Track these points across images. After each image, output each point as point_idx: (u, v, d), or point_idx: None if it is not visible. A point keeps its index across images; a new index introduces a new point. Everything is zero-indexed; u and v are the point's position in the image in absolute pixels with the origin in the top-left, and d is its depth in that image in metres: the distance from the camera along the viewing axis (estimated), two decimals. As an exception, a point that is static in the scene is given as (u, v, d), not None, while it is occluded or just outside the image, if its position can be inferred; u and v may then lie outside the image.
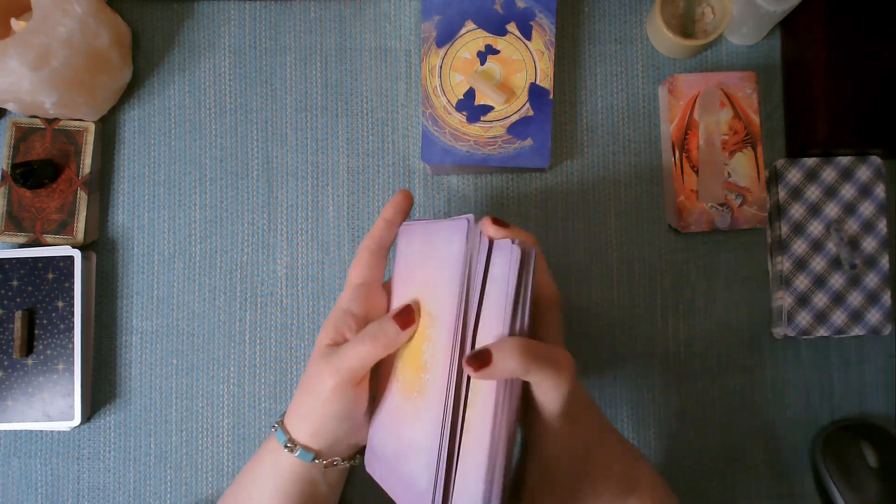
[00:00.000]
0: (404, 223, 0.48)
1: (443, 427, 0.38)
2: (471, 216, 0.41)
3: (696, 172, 0.58)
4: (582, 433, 0.40)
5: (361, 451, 0.48)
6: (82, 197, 0.61)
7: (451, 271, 0.41)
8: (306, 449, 0.45)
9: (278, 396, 0.61)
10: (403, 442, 0.42)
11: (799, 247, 0.58)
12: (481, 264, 0.39)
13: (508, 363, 0.36)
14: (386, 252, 0.48)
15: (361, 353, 0.42)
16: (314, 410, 0.44)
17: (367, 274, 0.47)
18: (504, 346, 0.36)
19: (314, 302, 0.62)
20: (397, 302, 0.46)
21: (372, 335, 0.43)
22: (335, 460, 0.46)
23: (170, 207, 0.63)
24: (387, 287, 0.49)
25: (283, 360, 0.62)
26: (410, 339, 0.44)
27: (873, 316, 0.57)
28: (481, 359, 0.36)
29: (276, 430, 0.46)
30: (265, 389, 0.62)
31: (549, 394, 0.38)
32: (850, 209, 0.57)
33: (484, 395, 0.37)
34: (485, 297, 0.39)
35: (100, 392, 0.62)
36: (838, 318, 0.57)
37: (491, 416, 0.37)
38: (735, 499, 0.59)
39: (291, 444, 0.45)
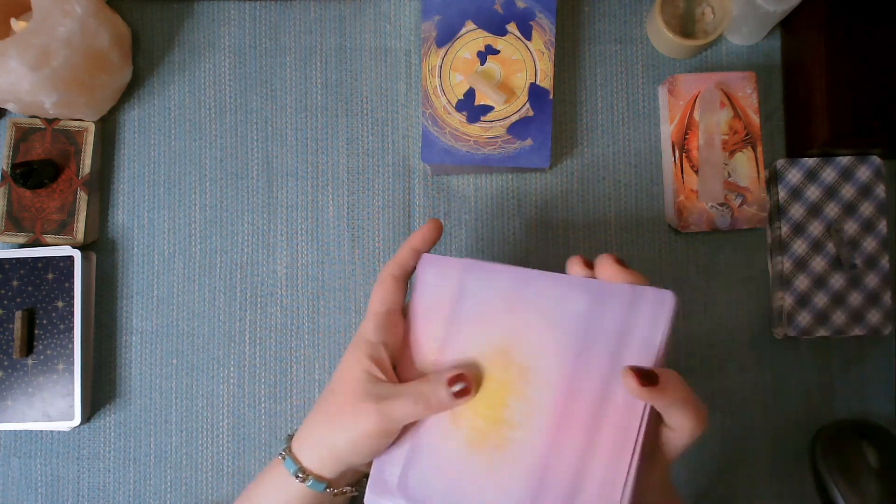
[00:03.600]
0: (469, 259, 0.45)
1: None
2: (602, 283, 0.39)
3: (696, 172, 0.58)
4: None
5: (367, 475, 0.47)
6: (82, 197, 0.61)
7: (565, 330, 0.39)
8: (318, 479, 0.43)
9: (278, 396, 0.61)
10: (464, 493, 0.40)
11: (799, 247, 0.58)
12: (613, 321, 0.38)
13: (675, 390, 0.36)
14: (407, 279, 0.47)
15: (414, 411, 0.41)
16: (342, 442, 0.42)
17: (391, 301, 0.45)
18: (669, 374, 0.36)
19: (314, 302, 0.62)
20: (454, 343, 0.44)
21: (425, 399, 0.41)
22: (345, 489, 0.45)
23: (170, 207, 0.63)
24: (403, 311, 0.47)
25: (283, 360, 0.62)
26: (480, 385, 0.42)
27: (873, 316, 0.57)
28: (650, 377, 0.35)
29: (283, 458, 0.44)
30: (265, 389, 0.62)
31: (682, 435, 0.38)
32: (850, 209, 0.57)
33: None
34: (622, 353, 0.38)
35: (100, 392, 0.62)
36: (838, 318, 0.57)
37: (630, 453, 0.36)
38: (735, 499, 0.59)
39: (303, 474, 0.43)
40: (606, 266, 0.40)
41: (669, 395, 0.36)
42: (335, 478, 0.44)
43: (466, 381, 0.41)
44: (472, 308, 0.43)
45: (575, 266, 0.41)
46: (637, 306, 0.38)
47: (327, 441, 0.43)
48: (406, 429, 0.43)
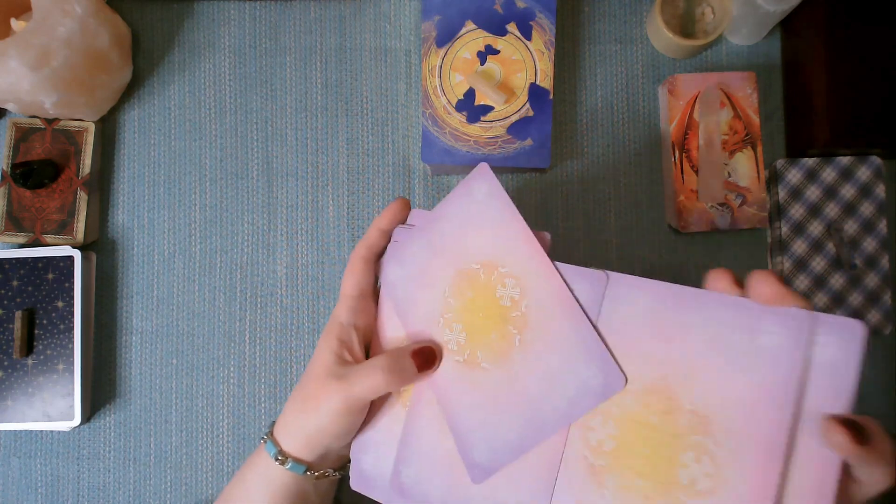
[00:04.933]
0: (407, 227, 0.45)
1: None
2: (769, 308, 0.31)
3: (696, 172, 0.58)
4: None
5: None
6: (82, 197, 0.61)
7: (753, 369, 0.31)
8: (297, 461, 0.44)
9: (278, 396, 0.61)
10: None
11: (799, 247, 0.58)
12: (797, 358, 0.31)
13: (882, 444, 0.30)
14: (377, 260, 0.47)
15: (375, 384, 0.41)
16: (312, 424, 0.43)
17: (362, 284, 0.46)
18: (874, 426, 0.30)
19: (314, 302, 0.62)
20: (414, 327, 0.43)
21: (388, 369, 0.41)
22: (327, 472, 0.46)
23: (170, 207, 0.63)
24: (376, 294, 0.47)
25: (283, 360, 0.62)
26: None
27: (873, 316, 0.57)
28: (861, 432, 0.29)
29: (265, 441, 0.45)
30: (265, 389, 0.62)
31: (869, 491, 0.32)
32: (850, 209, 0.57)
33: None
34: (810, 397, 0.30)
35: (100, 392, 0.62)
36: (838, 318, 0.57)
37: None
38: (735, 499, 0.59)
39: (282, 457, 0.44)
40: (765, 285, 0.32)
41: (878, 451, 0.30)
42: (315, 461, 0.44)
43: (432, 356, 0.41)
44: (408, 277, 0.43)
45: (722, 282, 0.35)
46: (819, 339, 0.30)
47: (301, 424, 0.43)
48: (391, 420, 0.43)
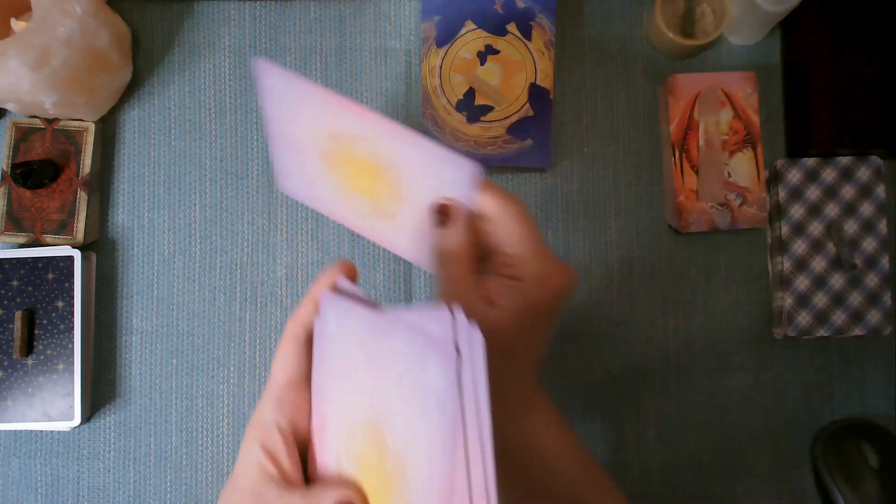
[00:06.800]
0: (335, 293, 0.36)
1: None
2: (451, 320, 0.31)
3: (696, 172, 0.58)
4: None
5: None
6: (82, 197, 0.61)
7: (432, 413, 0.31)
8: None
9: (278, 396, 0.61)
10: None
11: (799, 247, 0.58)
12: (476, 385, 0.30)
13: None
14: (310, 339, 0.38)
15: None
16: None
17: (294, 369, 0.37)
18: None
19: (314, 302, 0.62)
20: (323, 421, 0.36)
21: None
22: None
23: (170, 207, 0.63)
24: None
25: (283, 360, 0.62)
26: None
27: (873, 316, 0.57)
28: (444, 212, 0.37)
29: None
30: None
31: (509, 234, 0.37)
32: (850, 209, 0.57)
33: None
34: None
35: (100, 392, 0.62)
36: (838, 318, 0.57)
37: None
38: (735, 499, 0.59)
39: None
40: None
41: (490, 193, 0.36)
42: None
43: None
44: (331, 359, 0.36)
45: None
46: (465, 362, 0.31)
47: None
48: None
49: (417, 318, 0.32)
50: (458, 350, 0.31)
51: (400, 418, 0.32)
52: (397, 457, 0.32)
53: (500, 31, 0.58)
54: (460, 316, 0.31)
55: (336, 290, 0.36)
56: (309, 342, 0.37)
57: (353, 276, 0.38)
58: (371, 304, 0.34)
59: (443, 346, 0.31)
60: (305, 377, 0.37)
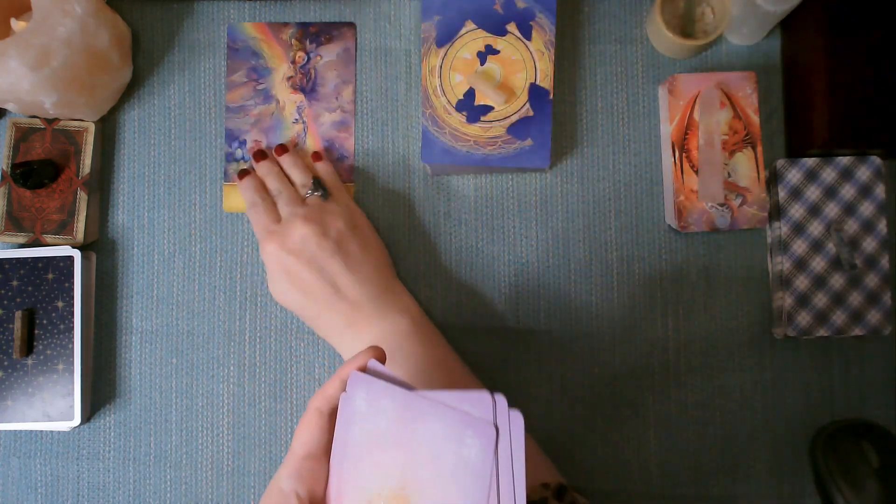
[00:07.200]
0: (366, 373, 0.39)
1: None
2: (490, 416, 0.36)
3: (696, 172, 0.58)
4: None
5: None
6: (82, 197, 0.61)
7: (465, 481, 0.35)
8: None
9: (278, 396, 0.61)
10: None
11: (799, 247, 0.58)
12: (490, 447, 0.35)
13: None
14: (333, 414, 0.40)
15: None
16: None
17: (315, 443, 0.39)
18: None
19: (314, 302, 0.62)
20: (340, 491, 0.39)
21: None
22: None
23: (170, 207, 0.63)
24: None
25: (283, 359, 0.62)
26: None
27: (873, 316, 0.57)
28: None
29: None
30: (265, 389, 0.62)
31: None
32: (850, 209, 0.57)
33: None
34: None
35: (100, 392, 0.62)
36: (838, 318, 0.57)
37: None
38: (735, 499, 0.59)
39: None
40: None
41: None
42: None
43: None
44: (362, 438, 0.38)
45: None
46: (503, 433, 0.36)
47: None
48: None
49: (456, 400, 0.36)
50: (496, 428, 0.35)
51: (430, 486, 0.36)
52: None
53: (500, 31, 0.58)
54: (501, 400, 0.36)
55: (367, 370, 0.39)
56: (332, 417, 0.39)
57: (382, 359, 0.40)
58: (406, 385, 0.38)
59: (482, 424, 0.35)
60: (325, 450, 0.39)
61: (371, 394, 0.39)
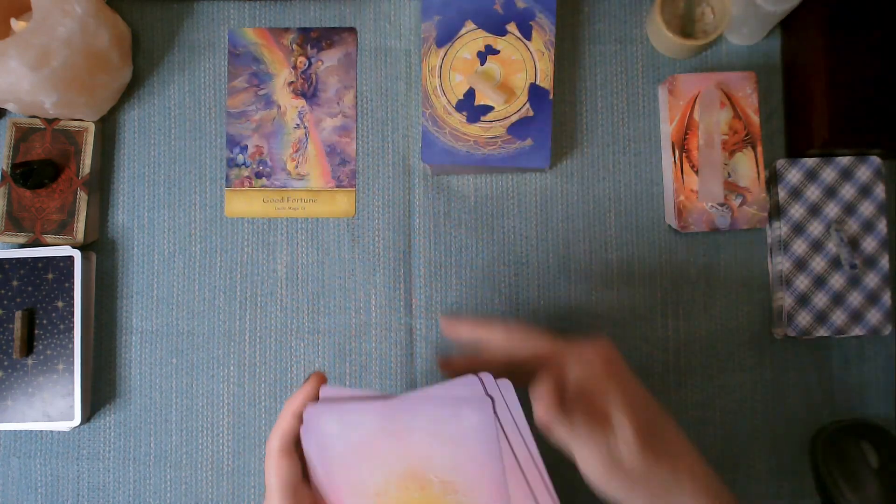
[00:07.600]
0: (322, 402, 0.42)
1: None
2: (480, 390, 0.41)
3: (696, 172, 0.58)
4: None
5: None
6: (82, 197, 0.61)
7: (473, 446, 0.40)
8: None
9: (278, 396, 0.61)
10: None
11: (799, 247, 0.58)
12: (516, 415, 0.40)
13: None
14: (295, 447, 0.42)
15: None
16: None
17: (284, 475, 0.41)
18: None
19: (314, 302, 0.62)
20: (340, 498, 0.43)
21: None
22: None
23: (170, 207, 0.63)
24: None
25: (283, 359, 0.62)
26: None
27: (873, 316, 0.57)
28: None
29: None
30: (265, 389, 0.62)
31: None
32: (850, 209, 0.57)
33: None
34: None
35: (100, 392, 0.62)
36: (838, 318, 0.57)
37: None
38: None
39: None
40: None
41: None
42: None
43: None
44: (346, 451, 0.42)
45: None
46: (498, 401, 0.41)
47: None
48: None
49: (444, 390, 0.40)
50: (490, 397, 0.40)
51: (438, 457, 0.41)
52: (442, 481, 0.41)
53: (500, 31, 0.58)
54: (487, 376, 0.40)
55: (320, 399, 0.42)
56: (294, 451, 0.42)
57: (324, 381, 0.43)
58: (378, 396, 0.42)
59: (475, 398, 0.40)
60: (301, 478, 0.42)
61: (339, 414, 0.42)
